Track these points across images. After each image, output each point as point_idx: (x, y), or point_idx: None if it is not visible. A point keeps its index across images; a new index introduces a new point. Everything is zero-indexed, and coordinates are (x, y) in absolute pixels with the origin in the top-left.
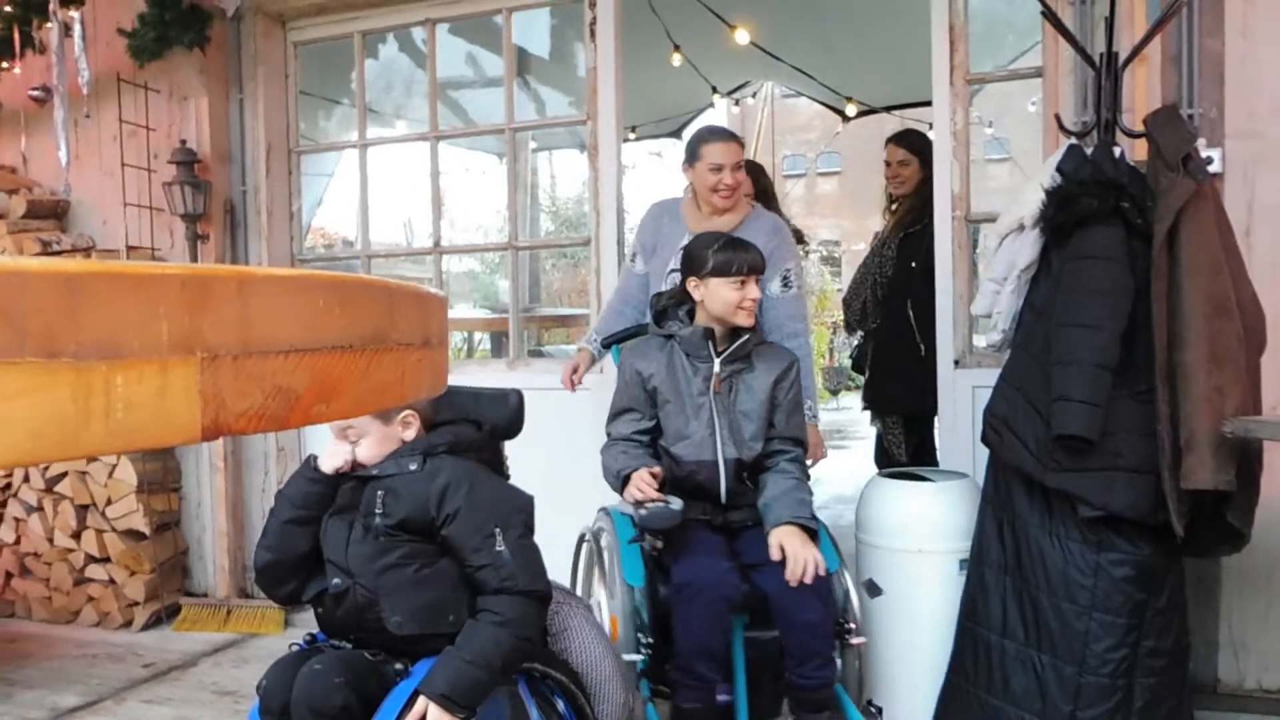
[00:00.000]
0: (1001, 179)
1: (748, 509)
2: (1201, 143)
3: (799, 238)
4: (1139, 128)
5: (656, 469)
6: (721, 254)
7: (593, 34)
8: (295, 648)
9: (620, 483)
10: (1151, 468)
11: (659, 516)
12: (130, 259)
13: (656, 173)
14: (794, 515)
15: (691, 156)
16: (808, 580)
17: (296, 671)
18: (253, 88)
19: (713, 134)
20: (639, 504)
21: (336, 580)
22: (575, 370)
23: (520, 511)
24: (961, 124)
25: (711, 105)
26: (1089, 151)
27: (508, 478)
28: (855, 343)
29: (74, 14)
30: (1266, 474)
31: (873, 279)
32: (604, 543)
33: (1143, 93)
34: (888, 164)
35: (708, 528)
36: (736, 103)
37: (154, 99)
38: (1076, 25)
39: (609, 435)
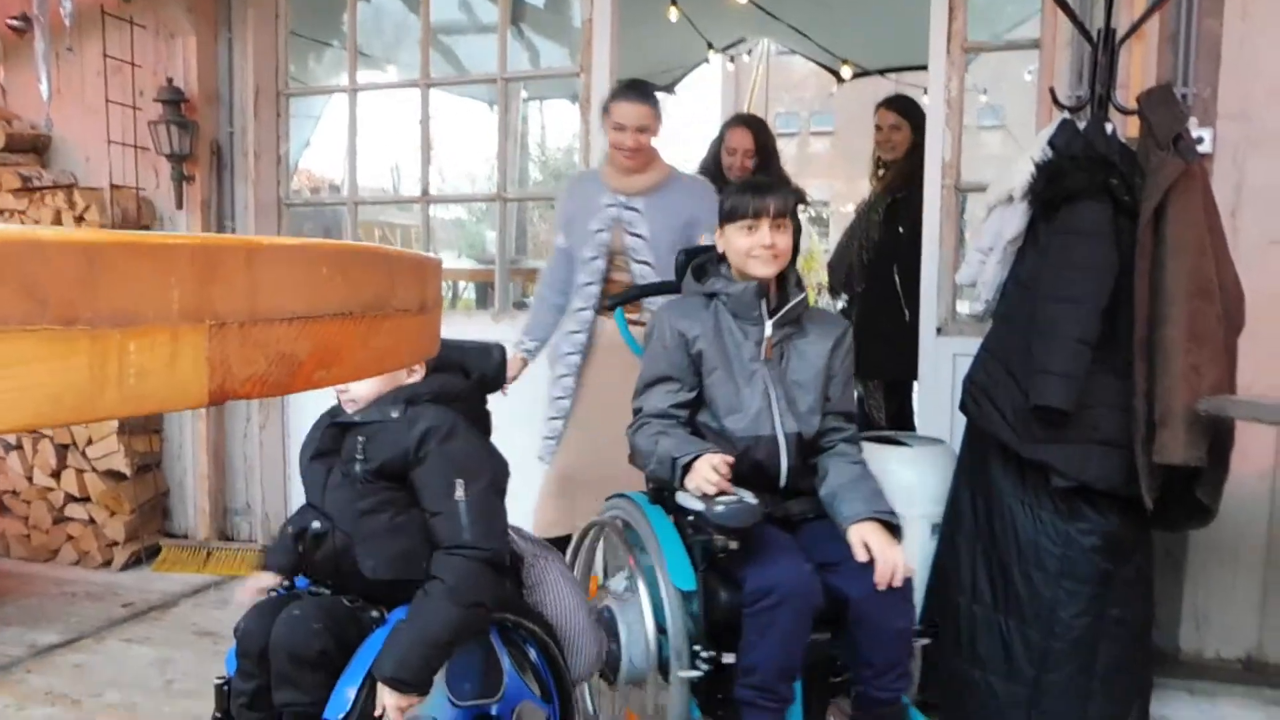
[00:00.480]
0: (994, 146)
1: (807, 498)
2: (1193, 122)
3: (801, 199)
4: (1133, 104)
5: (729, 457)
6: (732, 197)
7: None
8: (274, 593)
9: (679, 471)
10: (1126, 441)
11: (739, 513)
12: (114, 197)
13: None
14: (874, 509)
15: (604, 110)
16: (897, 583)
17: (275, 617)
18: (242, 28)
19: (621, 92)
20: (708, 497)
21: (316, 523)
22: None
23: (489, 470)
24: (956, 92)
25: (706, 60)
26: (1081, 126)
27: (489, 431)
28: (839, 306)
29: None
30: (1237, 453)
31: (858, 243)
32: (641, 535)
33: (1138, 70)
34: (878, 128)
35: (768, 521)
36: (732, 59)
37: (140, 35)
38: None
39: (637, 410)
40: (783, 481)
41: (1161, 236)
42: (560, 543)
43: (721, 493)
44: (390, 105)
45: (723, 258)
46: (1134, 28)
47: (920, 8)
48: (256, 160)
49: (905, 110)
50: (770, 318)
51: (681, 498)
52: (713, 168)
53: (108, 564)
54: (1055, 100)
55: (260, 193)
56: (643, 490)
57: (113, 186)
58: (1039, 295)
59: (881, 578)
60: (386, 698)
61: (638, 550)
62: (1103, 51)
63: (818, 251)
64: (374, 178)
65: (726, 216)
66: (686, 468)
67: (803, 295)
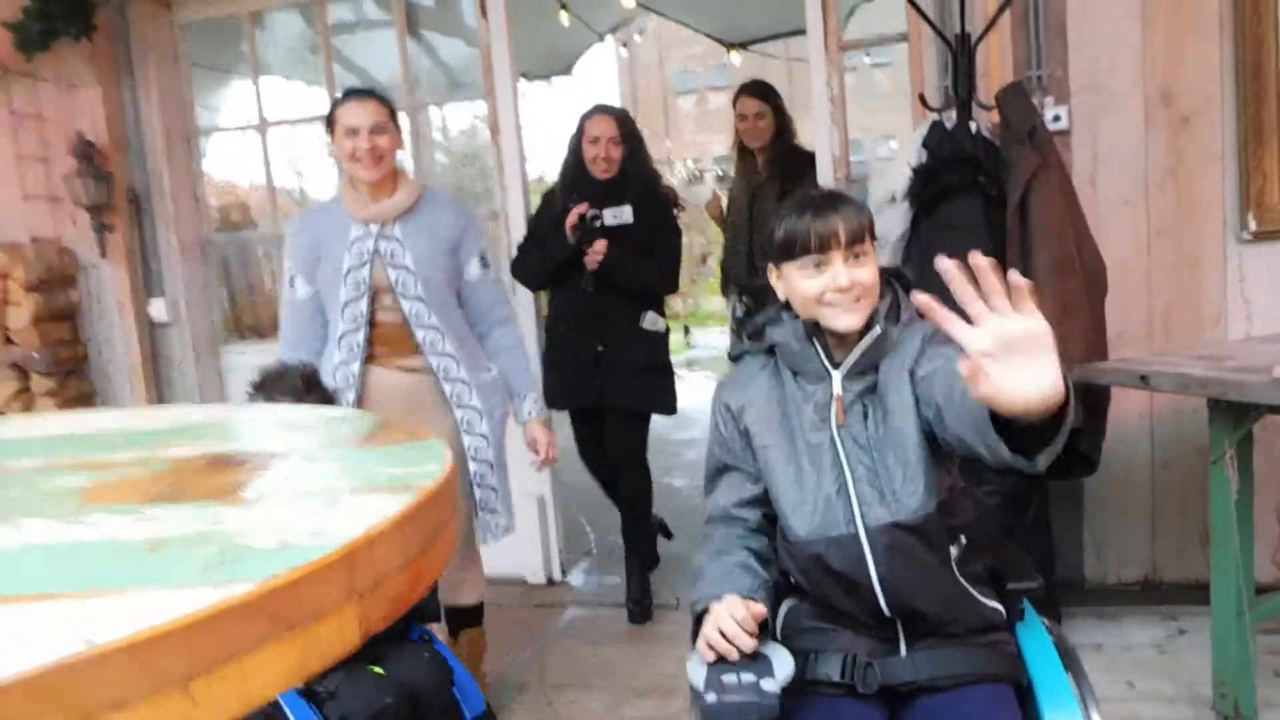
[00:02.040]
0: (884, 84)
1: (939, 643)
2: (1050, 101)
3: (674, 201)
4: (995, 91)
5: (757, 608)
6: (784, 223)
7: (484, 11)
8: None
9: (693, 620)
10: None
11: (735, 711)
12: (37, 252)
13: (545, 99)
14: None
15: (329, 126)
16: None
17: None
18: (144, 73)
19: (345, 96)
20: (720, 666)
21: None
22: None
23: None
24: (837, 89)
25: (600, 40)
26: (949, 126)
27: None
28: (735, 309)
29: None
30: (1117, 395)
31: (748, 235)
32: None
33: (996, 57)
34: (742, 117)
35: (848, 693)
36: (625, 44)
37: (43, 89)
38: None
39: (708, 514)
40: (883, 602)
41: (1027, 223)
42: None
43: (751, 656)
44: (291, 104)
45: (787, 304)
46: (985, 30)
47: None
48: (175, 203)
49: (765, 95)
50: (835, 368)
51: (690, 666)
52: (574, 164)
53: None
54: (924, 104)
55: (182, 234)
56: None
57: (33, 240)
58: (925, 288)
59: None
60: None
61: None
62: (961, 55)
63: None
64: (279, 178)
65: (782, 251)
66: (700, 618)
67: (886, 328)
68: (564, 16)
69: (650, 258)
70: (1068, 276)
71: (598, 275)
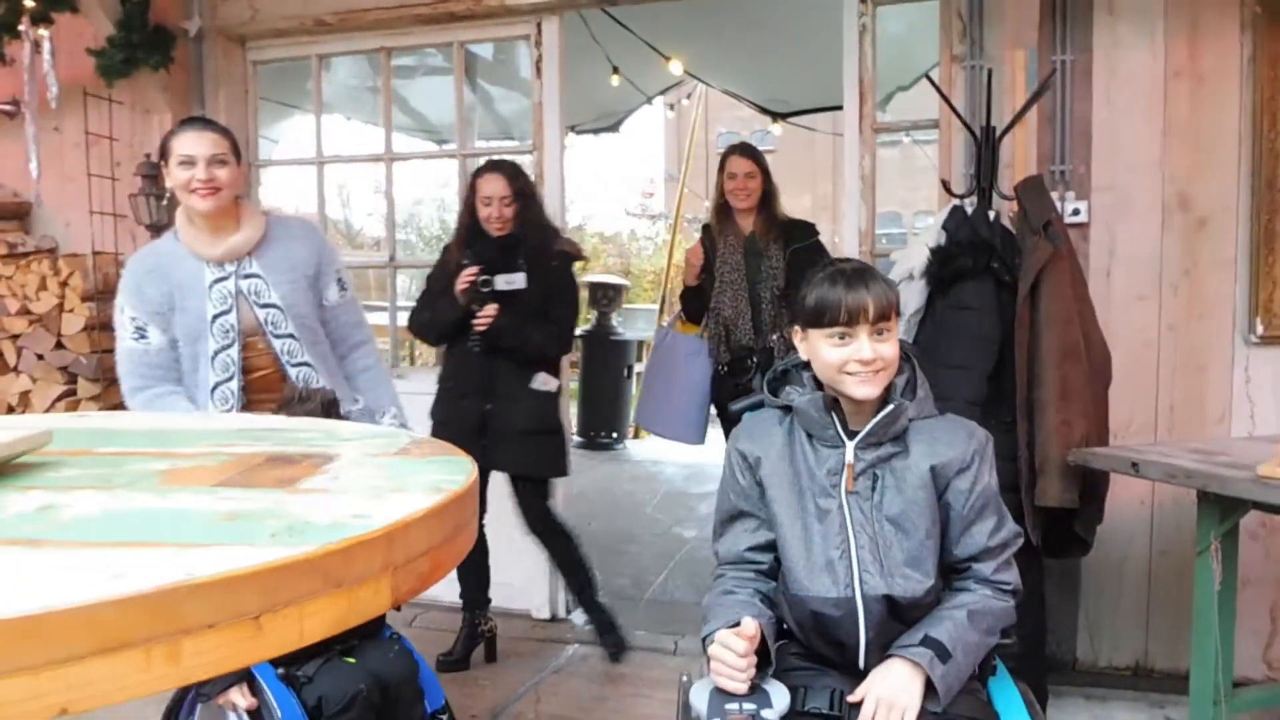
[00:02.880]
0: (921, 160)
1: None
2: (1071, 196)
3: (575, 254)
4: (1018, 180)
5: (751, 629)
6: (815, 291)
7: (538, 71)
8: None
9: (705, 652)
10: (1014, 486)
11: None
12: (96, 263)
13: (592, 149)
14: (907, 645)
15: (164, 156)
16: None
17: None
18: (214, 105)
19: (182, 125)
20: (717, 699)
21: None
22: None
23: None
24: (869, 170)
25: (649, 102)
26: (969, 211)
27: None
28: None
29: (43, 32)
30: (1119, 482)
31: (751, 290)
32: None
33: (1022, 151)
34: (732, 176)
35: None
36: (672, 107)
37: (118, 111)
38: (968, 86)
39: (716, 555)
40: (862, 663)
41: (1036, 310)
42: None
43: (751, 690)
44: (346, 137)
45: (807, 363)
46: (1011, 124)
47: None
48: None
49: (755, 156)
50: (851, 439)
51: (693, 693)
52: (468, 221)
53: None
54: (947, 190)
55: None
56: None
57: (95, 253)
58: (935, 362)
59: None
60: None
61: None
62: (985, 148)
63: None
64: (329, 209)
65: (810, 318)
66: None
67: (902, 404)
68: (615, 79)
69: (544, 321)
70: (1073, 364)
71: (485, 338)
